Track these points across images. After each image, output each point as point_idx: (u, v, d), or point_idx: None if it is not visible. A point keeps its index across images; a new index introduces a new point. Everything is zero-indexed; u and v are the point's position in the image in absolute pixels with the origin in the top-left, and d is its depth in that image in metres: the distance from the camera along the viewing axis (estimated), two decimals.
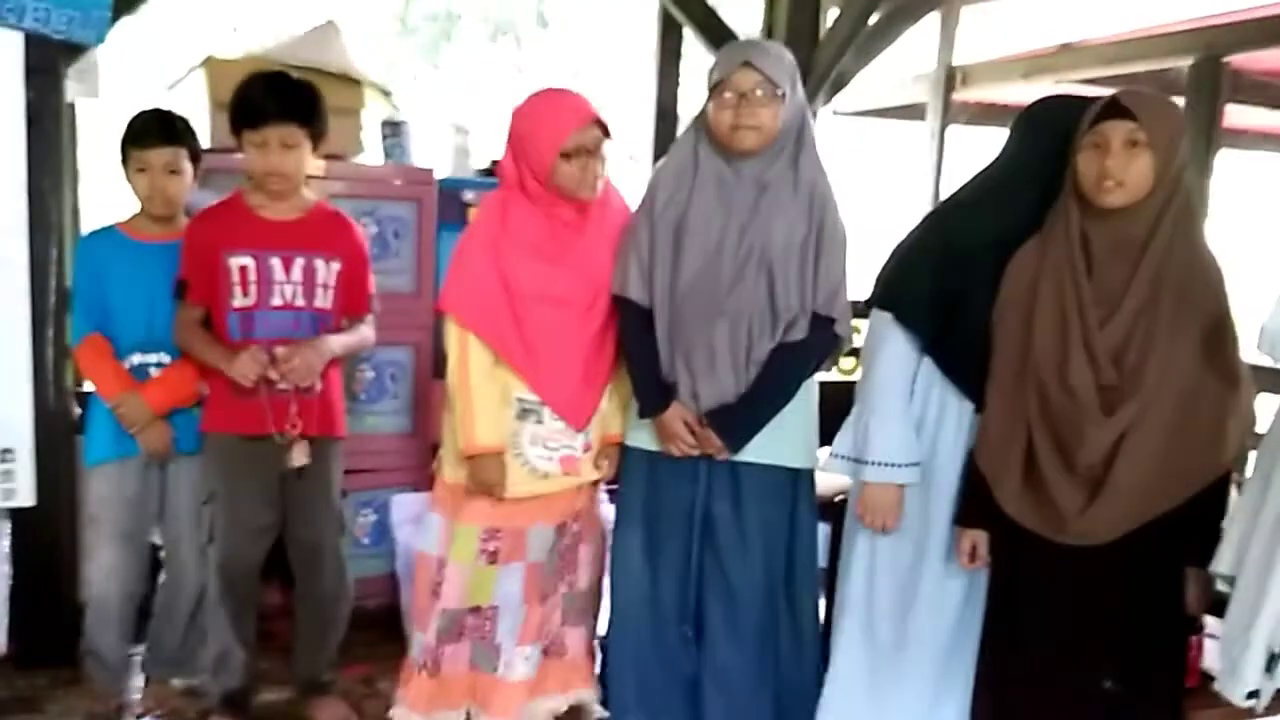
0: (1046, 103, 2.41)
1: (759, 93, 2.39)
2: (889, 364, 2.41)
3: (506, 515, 2.62)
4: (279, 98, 2.61)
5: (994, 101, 5.95)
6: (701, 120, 2.51)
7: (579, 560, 2.76)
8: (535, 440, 2.59)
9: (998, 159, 2.42)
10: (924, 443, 2.42)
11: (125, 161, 2.78)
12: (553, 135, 2.46)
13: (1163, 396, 2.08)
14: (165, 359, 2.80)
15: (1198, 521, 2.12)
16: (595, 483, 2.76)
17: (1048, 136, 2.26)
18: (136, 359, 2.80)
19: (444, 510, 2.69)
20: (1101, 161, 2.08)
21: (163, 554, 2.98)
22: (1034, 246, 2.25)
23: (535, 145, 2.49)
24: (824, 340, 2.50)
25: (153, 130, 2.77)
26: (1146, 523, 2.11)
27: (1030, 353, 2.19)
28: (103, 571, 2.85)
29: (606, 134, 2.52)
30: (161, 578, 2.99)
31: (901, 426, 2.40)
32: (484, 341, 2.52)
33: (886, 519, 2.44)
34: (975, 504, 2.31)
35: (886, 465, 2.40)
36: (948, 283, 2.32)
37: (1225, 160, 4.88)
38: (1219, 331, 2.10)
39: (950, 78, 5.66)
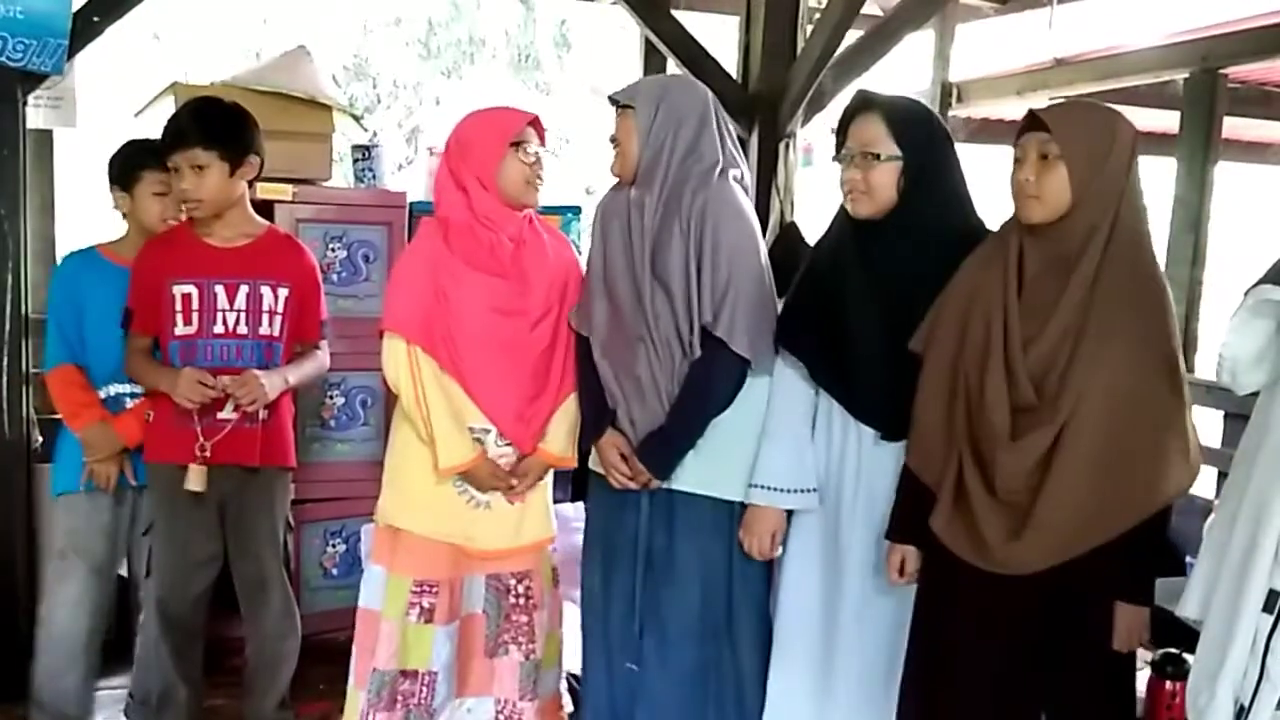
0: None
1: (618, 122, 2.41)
2: (778, 394, 2.37)
3: (441, 564, 2.47)
4: (188, 122, 2.51)
5: (990, 117, 5.82)
6: None
7: (535, 627, 2.56)
8: None
9: None
10: (833, 470, 2.32)
11: (136, 183, 2.67)
12: (501, 130, 2.40)
13: (1085, 424, 1.93)
14: (142, 390, 2.66)
15: (1128, 553, 1.96)
16: (548, 543, 2.61)
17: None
18: (114, 389, 2.67)
19: (382, 560, 2.52)
20: (1017, 174, 2.00)
21: (142, 594, 2.77)
22: (974, 262, 2.12)
23: (483, 145, 2.41)
24: (718, 358, 2.34)
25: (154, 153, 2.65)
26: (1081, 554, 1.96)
27: (959, 370, 2.07)
28: (69, 606, 2.68)
29: (543, 141, 2.46)
30: (141, 618, 2.76)
31: (783, 452, 2.33)
32: (427, 354, 2.41)
33: (763, 544, 2.36)
34: (906, 518, 2.18)
35: (765, 489, 2.34)
36: (821, 305, 2.29)
37: (1226, 174, 4.67)
38: (1158, 360, 1.94)
39: (946, 94, 5.51)
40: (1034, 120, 1.99)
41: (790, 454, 2.32)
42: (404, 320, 2.43)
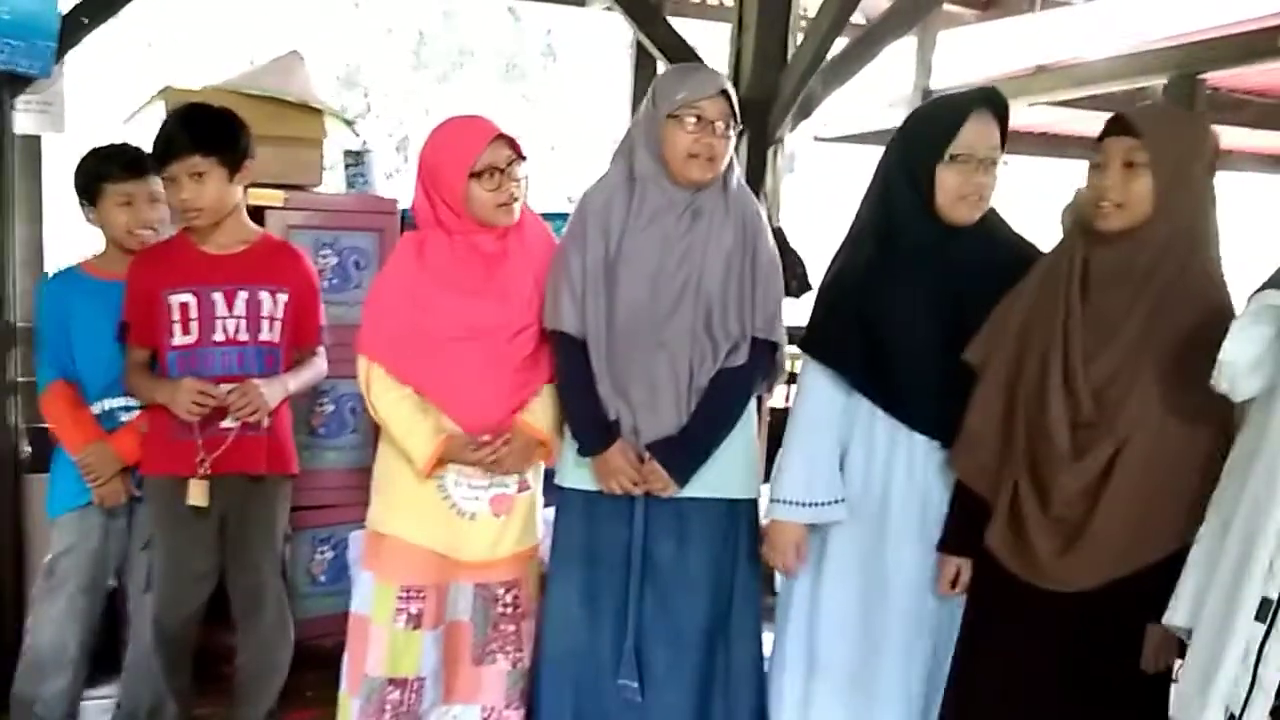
0: (917, 110, 2.27)
1: (722, 124, 2.26)
2: (805, 403, 2.26)
3: (427, 570, 2.40)
4: (182, 130, 2.43)
5: None
6: (638, 143, 2.33)
7: (523, 637, 2.49)
8: (461, 479, 2.39)
9: (876, 172, 2.26)
10: (877, 483, 2.21)
11: (99, 196, 2.57)
12: (461, 158, 2.27)
13: (1143, 442, 1.86)
14: (135, 403, 2.59)
15: (1170, 574, 1.87)
16: (533, 553, 2.53)
17: (912, 139, 2.16)
18: (107, 404, 2.60)
19: (370, 565, 2.46)
20: (1099, 181, 1.90)
21: (131, 606, 2.71)
22: (1038, 274, 2.04)
23: (445, 172, 2.30)
24: (766, 365, 2.36)
25: (131, 160, 2.58)
26: (1132, 571, 1.91)
27: (1019, 386, 1.99)
28: (55, 623, 2.59)
29: (519, 154, 2.33)
30: (130, 629, 2.71)
31: (806, 464, 2.23)
32: (390, 372, 2.36)
33: (785, 559, 2.27)
34: (963, 531, 2.11)
35: (787, 503, 2.24)
36: (865, 312, 2.16)
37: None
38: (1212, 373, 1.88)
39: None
40: (1119, 123, 1.89)
41: (811, 467, 2.23)
42: (370, 341, 2.38)
